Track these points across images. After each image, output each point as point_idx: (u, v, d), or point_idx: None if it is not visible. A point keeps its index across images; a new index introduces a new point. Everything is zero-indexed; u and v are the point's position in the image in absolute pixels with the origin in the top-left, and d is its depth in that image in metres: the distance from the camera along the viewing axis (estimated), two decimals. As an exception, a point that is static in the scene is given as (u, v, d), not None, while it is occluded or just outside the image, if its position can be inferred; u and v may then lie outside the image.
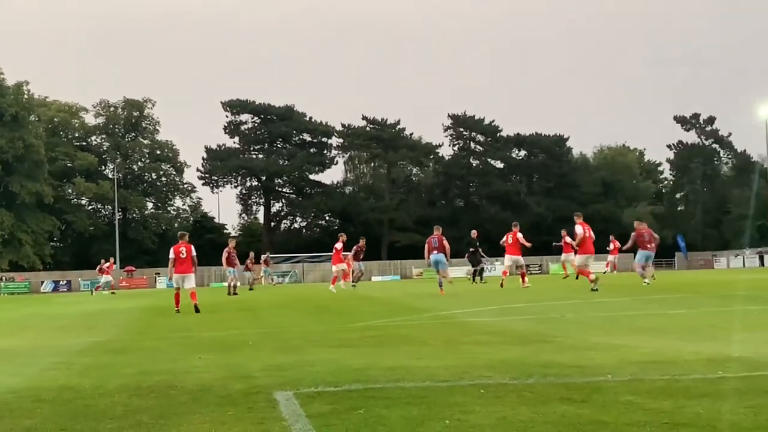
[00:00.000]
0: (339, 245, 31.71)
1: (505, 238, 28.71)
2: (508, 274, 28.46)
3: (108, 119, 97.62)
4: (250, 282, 42.56)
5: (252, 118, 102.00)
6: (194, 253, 19.16)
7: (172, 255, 19.09)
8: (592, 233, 23.89)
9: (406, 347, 9.16)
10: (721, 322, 11.19)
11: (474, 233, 33.60)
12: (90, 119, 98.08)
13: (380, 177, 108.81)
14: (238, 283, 33.61)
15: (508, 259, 28.48)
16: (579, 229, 23.57)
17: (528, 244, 28.54)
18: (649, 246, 25.77)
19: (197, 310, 18.21)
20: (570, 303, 16.70)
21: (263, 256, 49.57)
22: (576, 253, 24.45)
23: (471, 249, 33.85)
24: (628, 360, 7.32)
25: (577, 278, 30.20)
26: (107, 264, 45.87)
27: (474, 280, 33.80)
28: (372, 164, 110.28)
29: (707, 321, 11.33)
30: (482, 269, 34.29)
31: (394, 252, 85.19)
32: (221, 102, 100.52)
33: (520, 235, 28.25)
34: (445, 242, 24.82)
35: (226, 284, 32.48)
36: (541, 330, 10.68)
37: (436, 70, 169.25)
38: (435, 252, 24.65)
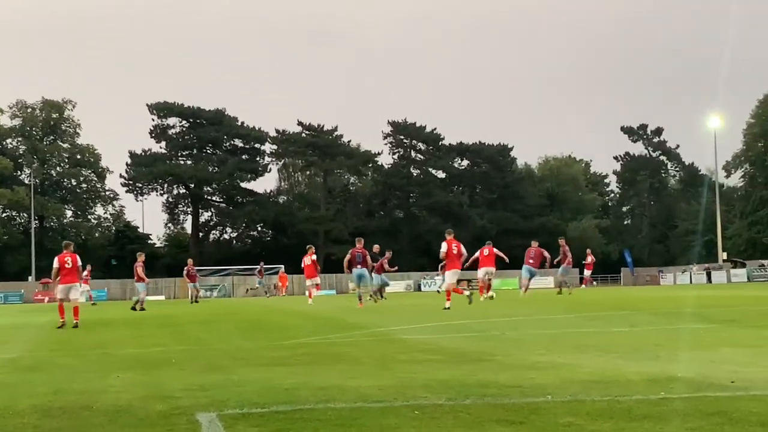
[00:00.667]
0: (308, 260, 31.47)
1: (479, 252, 29.16)
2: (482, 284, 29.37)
3: (25, 121, 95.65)
4: (193, 296, 41.95)
5: (180, 122, 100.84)
6: (80, 263, 19.84)
7: (56, 265, 19.41)
8: (462, 249, 23.48)
9: (338, 366, 9.14)
10: (666, 340, 11.39)
11: (376, 248, 32.91)
12: (5, 120, 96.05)
13: (316, 186, 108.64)
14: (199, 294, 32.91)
15: (482, 271, 29.17)
16: (444, 246, 23.00)
17: (506, 258, 29.97)
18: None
19: (76, 326, 18.49)
20: (512, 320, 16.85)
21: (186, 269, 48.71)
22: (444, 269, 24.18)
23: (374, 264, 32.26)
24: (570, 379, 7.40)
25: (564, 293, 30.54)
26: (85, 272, 44.39)
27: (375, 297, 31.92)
28: (307, 172, 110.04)
29: (652, 339, 11.53)
30: (383, 286, 33.43)
31: (330, 265, 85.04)
32: (147, 104, 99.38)
33: (496, 249, 29.42)
34: (368, 256, 24.98)
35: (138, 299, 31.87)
36: (481, 348, 10.74)
37: (376, 75, 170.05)
38: (358, 267, 24.71)
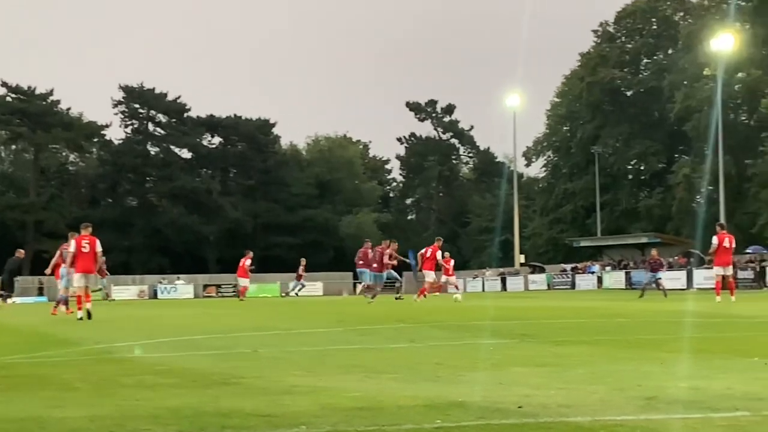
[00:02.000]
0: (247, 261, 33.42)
1: (717, 241, 30.01)
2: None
3: None
4: None
5: None
6: (99, 248, 22.95)
7: (72, 249, 22.60)
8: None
9: (43, 392, 8.79)
10: (449, 358, 11.74)
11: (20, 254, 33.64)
12: None
13: (24, 164, 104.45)
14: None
15: (428, 275, 35.42)
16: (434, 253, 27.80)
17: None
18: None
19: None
20: (268, 335, 16.87)
21: None
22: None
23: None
24: (331, 406, 7.48)
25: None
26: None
27: None
28: (13, 147, 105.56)
29: (433, 357, 11.85)
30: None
31: (43, 264, 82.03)
32: None
33: (439, 253, 35.16)
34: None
35: None
36: (227, 368, 10.67)
37: (105, 26, 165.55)
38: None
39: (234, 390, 8.71)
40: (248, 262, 47.63)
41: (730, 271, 30.27)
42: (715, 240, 29.98)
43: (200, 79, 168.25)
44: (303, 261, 57.01)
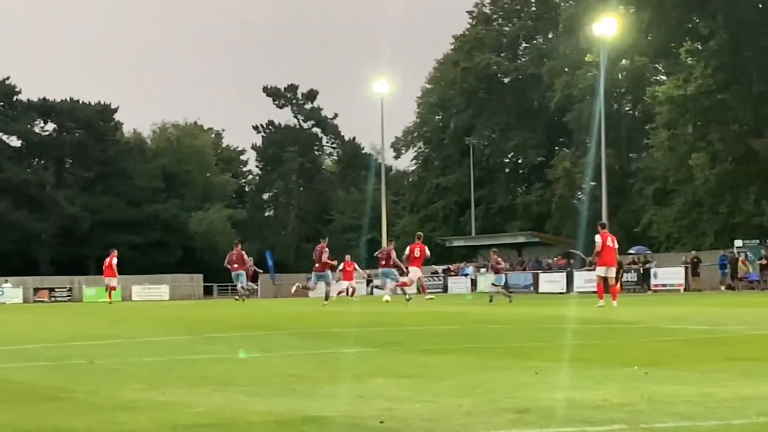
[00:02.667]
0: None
1: (410, 251, 37.81)
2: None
3: None
4: None
5: None
6: None
7: None
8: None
9: None
10: (308, 369, 11.75)
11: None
12: None
13: None
14: None
15: (414, 272, 38.35)
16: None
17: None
18: None
19: None
20: (106, 344, 16.64)
21: None
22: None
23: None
24: (173, 423, 7.41)
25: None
26: None
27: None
28: None
29: (289, 368, 11.84)
30: None
31: None
32: None
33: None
34: None
35: None
36: (57, 381, 10.48)
37: None
38: None
39: (65, 406, 8.56)
40: (115, 260, 48.00)
41: (612, 272, 30.64)
42: (598, 239, 30.52)
43: (32, 59, 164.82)
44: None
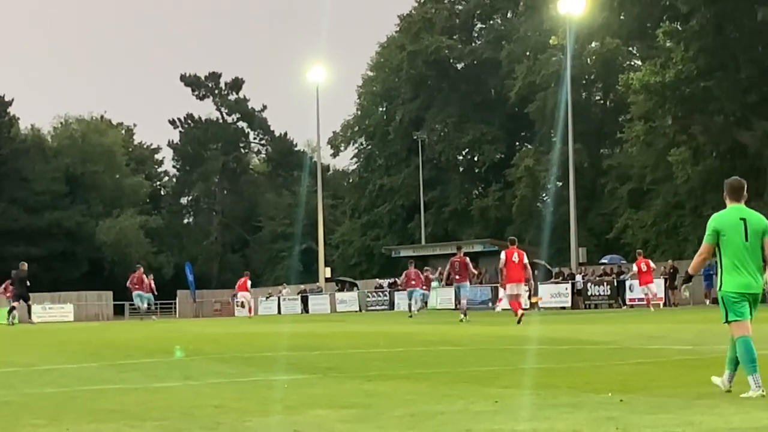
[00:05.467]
0: None
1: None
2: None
3: None
4: None
5: None
6: None
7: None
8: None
9: None
10: (234, 399, 11.79)
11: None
12: None
13: None
14: None
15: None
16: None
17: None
18: None
19: None
20: (3, 372, 16.58)
21: None
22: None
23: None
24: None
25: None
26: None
27: None
28: None
29: (212, 398, 11.86)
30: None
31: None
32: None
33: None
34: None
35: None
36: (-57, 419, 10.42)
37: None
38: None
39: (-48, 447, 8.52)
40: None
41: (522, 289, 34.15)
42: (502, 255, 33.92)
43: None
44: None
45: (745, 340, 11.11)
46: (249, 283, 58.17)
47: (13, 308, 49.78)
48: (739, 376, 11.25)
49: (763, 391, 10.74)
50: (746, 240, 11.36)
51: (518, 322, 31.44)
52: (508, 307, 39.16)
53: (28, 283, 50.73)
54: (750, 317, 11.35)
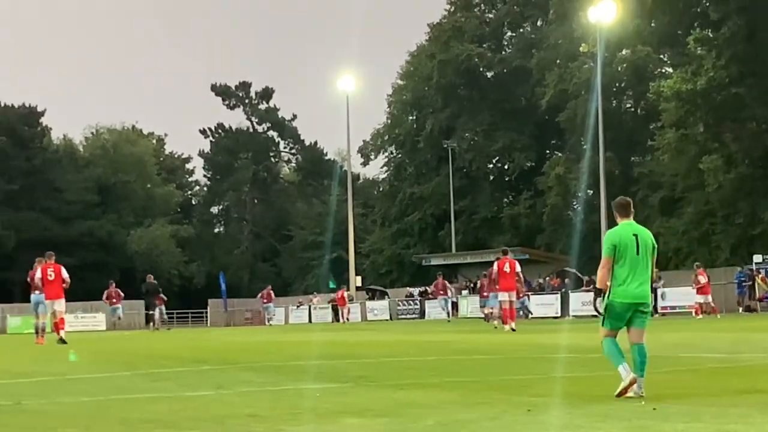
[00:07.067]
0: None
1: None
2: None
3: None
4: None
5: None
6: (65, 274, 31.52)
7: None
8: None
9: None
10: (266, 408, 11.75)
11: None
12: None
13: None
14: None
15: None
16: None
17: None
18: None
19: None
20: (35, 381, 16.59)
21: None
22: None
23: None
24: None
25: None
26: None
27: None
28: None
29: (244, 407, 11.84)
30: None
31: None
32: None
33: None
34: None
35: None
36: (-22, 428, 10.45)
37: None
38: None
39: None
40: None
41: (513, 297, 36.18)
42: (495, 266, 36.56)
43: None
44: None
45: (609, 340, 12.58)
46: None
47: (152, 316, 58.21)
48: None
49: (632, 374, 12.10)
50: (637, 254, 12.58)
51: (513, 329, 34.18)
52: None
53: (161, 293, 61.41)
54: (632, 326, 12.62)
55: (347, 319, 67.33)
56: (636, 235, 12.72)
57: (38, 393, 14.34)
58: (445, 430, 9.52)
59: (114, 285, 61.76)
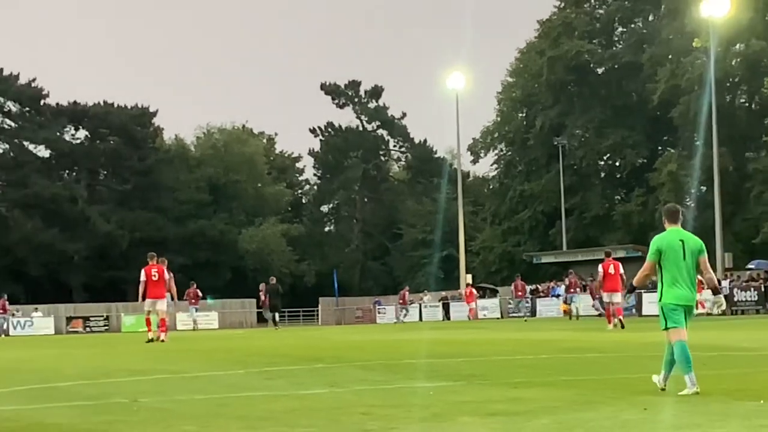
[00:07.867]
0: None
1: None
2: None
3: None
4: None
5: None
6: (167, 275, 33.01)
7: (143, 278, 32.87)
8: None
9: None
10: (380, 407, 11.77)
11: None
12: None
13: None
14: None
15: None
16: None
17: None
18: None
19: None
20: (151, 379, 16.79)
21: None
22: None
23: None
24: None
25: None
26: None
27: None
28: None
29: (358, 405, 11.87)
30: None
31: None
32: None
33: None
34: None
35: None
36: (98, 423, 10.57)
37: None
38: None
39: (107, 452, 8.65)
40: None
41: (618, 297, 36.54)
42: (600, 269, 37.79)
43: (61, 59, 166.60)
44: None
45: (682, 344, 12.81)
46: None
47: (273, 317, 58.56)
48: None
49: (697, 388, 12.39)
50: (684, 259, 13.09)
51: (622, 327, 35.48)
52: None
53: (282, 294, 61.92)
54: (685, 325, 13.06)
55: (474, 316, 67.88)
56: (682, 241, 13.22)
57: (155, 390, 14.52)
58: (561, 429, 9.45)
59: (195, 286, 64.14)
